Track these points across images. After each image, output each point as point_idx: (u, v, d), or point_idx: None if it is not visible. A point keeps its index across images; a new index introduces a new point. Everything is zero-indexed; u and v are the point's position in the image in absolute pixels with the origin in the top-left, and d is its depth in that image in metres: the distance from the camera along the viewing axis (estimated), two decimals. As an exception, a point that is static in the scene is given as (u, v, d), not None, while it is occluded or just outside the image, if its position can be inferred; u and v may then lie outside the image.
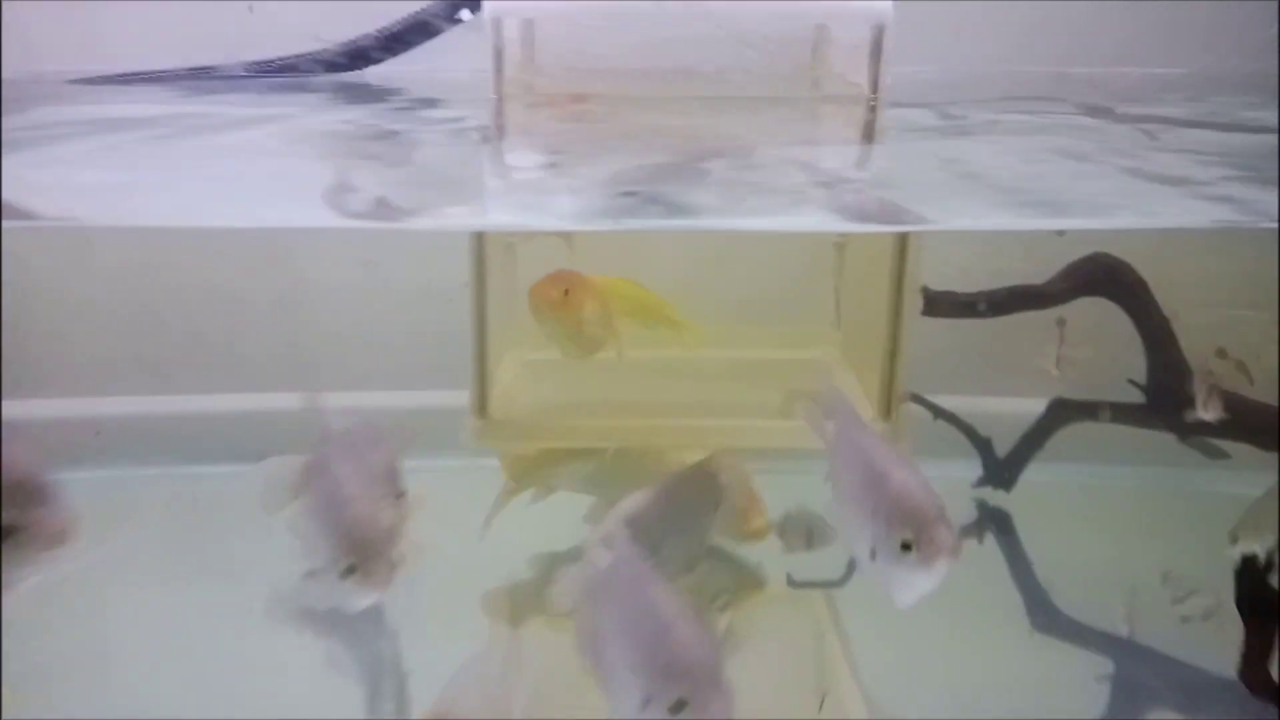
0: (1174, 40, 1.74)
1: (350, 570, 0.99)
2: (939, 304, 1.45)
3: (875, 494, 0.94)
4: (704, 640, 0.88)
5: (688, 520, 1.30)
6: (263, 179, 1.15)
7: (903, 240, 1.34)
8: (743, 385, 1.59)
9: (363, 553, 1.00)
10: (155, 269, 1.83)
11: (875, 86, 1.45)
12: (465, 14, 1.66)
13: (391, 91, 1.65)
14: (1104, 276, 1.48)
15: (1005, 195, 1.08)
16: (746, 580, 1.50)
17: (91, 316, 1.85)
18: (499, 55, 1.45)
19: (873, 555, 0.94)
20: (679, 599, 0.93)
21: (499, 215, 1.18)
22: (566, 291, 1.34)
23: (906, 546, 0.90)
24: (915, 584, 0.91)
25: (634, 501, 1.28)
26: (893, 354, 1.37)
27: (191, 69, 1.68)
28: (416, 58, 1.68)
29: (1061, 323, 1.55)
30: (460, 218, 1.19)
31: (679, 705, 0.85)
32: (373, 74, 1.69)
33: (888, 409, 1.39)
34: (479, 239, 1.36)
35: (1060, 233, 1.67)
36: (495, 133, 1.43)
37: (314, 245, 1.79)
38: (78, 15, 1.71)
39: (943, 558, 0.90)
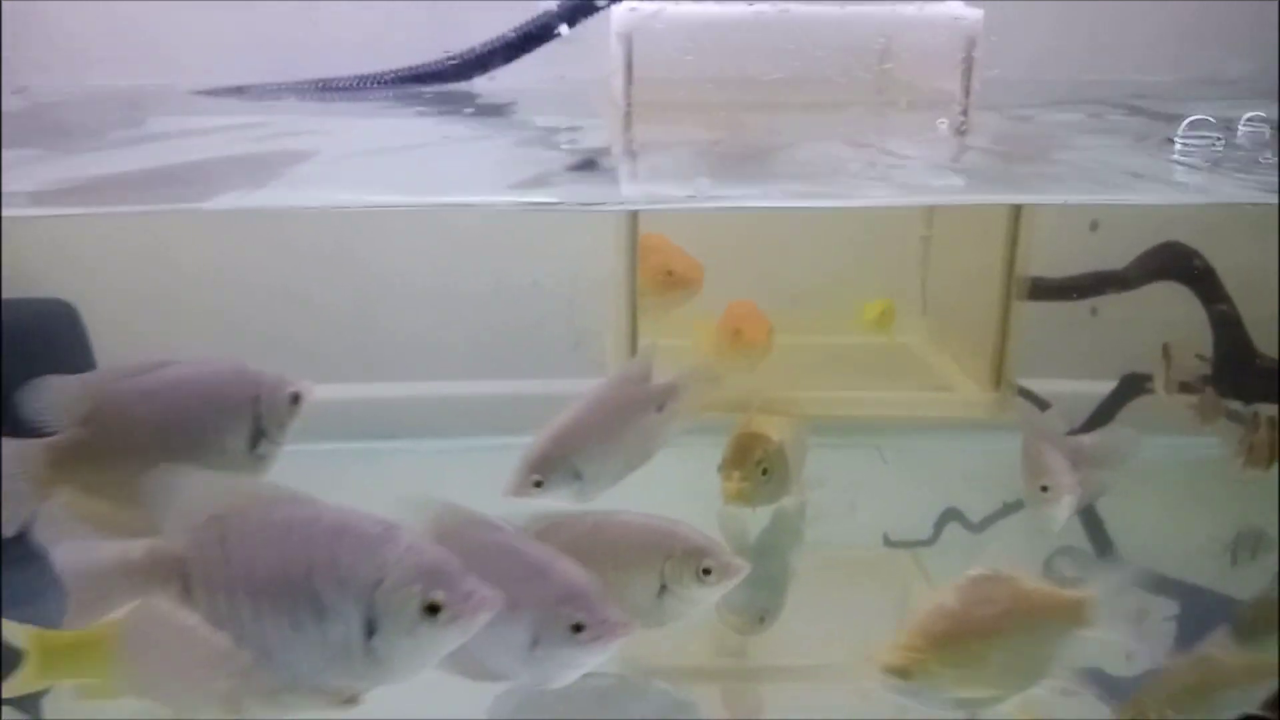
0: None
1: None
2: (1039, 289, 1.61)
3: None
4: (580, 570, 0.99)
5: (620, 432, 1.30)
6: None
7: (1014, 230, 1.49)
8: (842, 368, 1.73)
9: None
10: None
11: (967, 91, 1.57)
12: (563, 29, 1.75)
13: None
14: (1177, 262, 1.65)
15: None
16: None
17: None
18: (629, 67, 1.55)
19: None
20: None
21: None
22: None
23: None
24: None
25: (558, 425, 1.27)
26: (1004, 333, 1.52)
27: (310, 81, 1.74)
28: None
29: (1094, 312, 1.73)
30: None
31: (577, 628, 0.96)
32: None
33: (997, 381, 1.55)
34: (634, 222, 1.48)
35: (1094, 226, 1.79)
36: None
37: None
38: (134, 25, 1.77)
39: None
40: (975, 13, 1.53)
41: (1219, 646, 1.24)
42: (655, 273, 1.63)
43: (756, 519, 1.53)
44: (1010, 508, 1.69)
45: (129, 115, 1.66)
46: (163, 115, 1.67)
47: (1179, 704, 1.19)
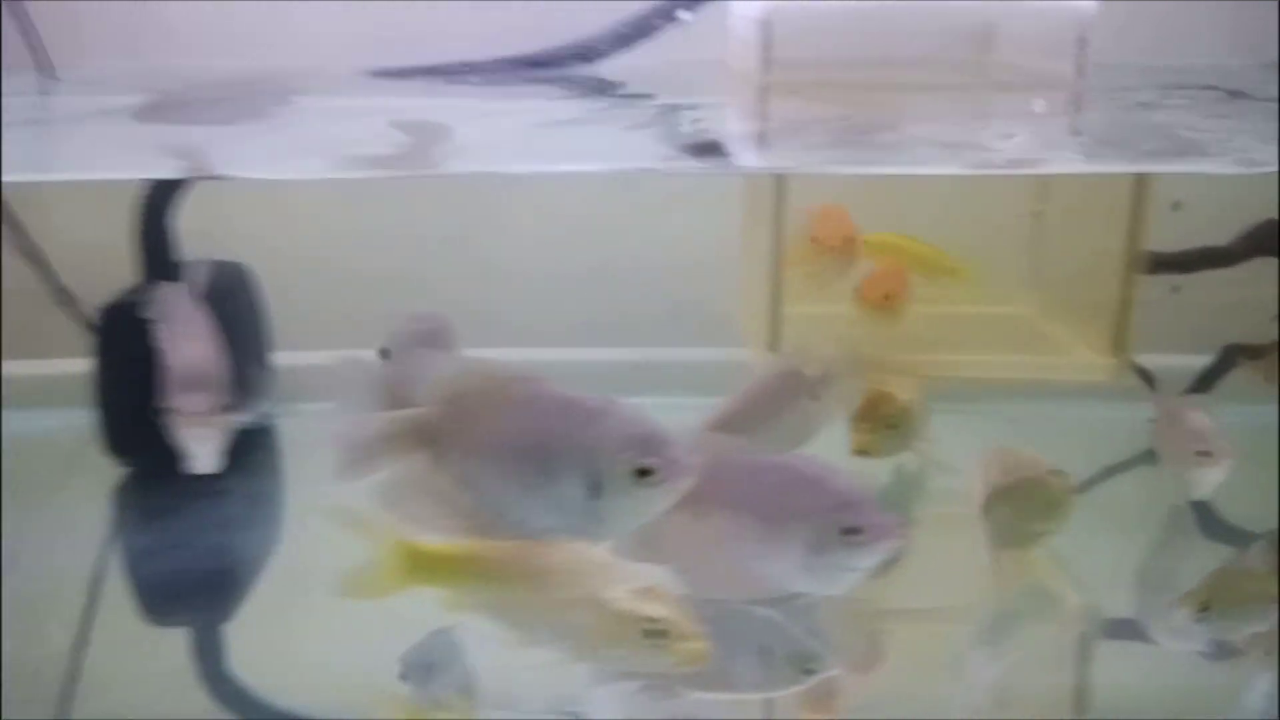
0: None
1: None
2: (1155, 263, 1.71)
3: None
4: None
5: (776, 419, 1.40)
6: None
7: (1139, 201, 1.60)
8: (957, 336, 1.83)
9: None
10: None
11: (1081, 73, 1.67)
12: (684, 14, 1.87)
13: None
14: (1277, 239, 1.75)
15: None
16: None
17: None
18: (767, 49, 1.66)
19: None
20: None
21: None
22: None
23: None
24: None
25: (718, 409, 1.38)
26: (1126, 301, 1.63)
27: (448, 64, 1.87)
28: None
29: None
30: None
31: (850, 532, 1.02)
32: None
33: (1116, 348, 1.65)
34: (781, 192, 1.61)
35: (1176, 206, 1.86)
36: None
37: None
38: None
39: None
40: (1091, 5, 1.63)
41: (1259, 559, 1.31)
42: (826, 241, 1.68)
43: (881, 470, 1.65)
44: (1111, 470, 1.79)
45: (287, 95, 1.77)
46: (327, 95, 1.77)
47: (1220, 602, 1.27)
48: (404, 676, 1.22)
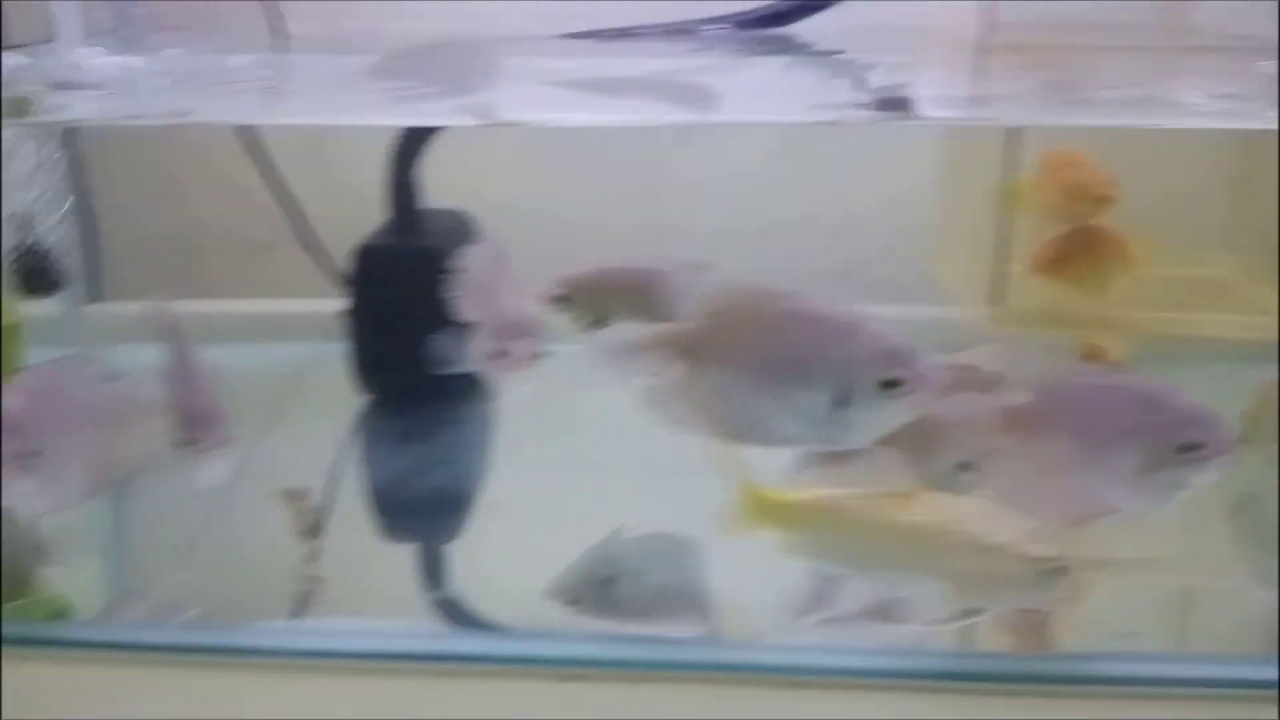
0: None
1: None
2: None
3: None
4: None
5: None
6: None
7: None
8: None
9: None
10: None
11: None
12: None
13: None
14: None
15: None
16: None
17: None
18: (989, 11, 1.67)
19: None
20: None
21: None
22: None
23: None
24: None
25: None
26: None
27: (657, 25, 1.88)
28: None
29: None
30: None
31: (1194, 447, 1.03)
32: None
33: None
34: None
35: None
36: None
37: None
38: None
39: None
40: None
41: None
42: (1068, 187, 1.69)
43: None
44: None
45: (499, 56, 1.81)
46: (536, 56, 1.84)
47: None
48: (572, 602, 1.31)
